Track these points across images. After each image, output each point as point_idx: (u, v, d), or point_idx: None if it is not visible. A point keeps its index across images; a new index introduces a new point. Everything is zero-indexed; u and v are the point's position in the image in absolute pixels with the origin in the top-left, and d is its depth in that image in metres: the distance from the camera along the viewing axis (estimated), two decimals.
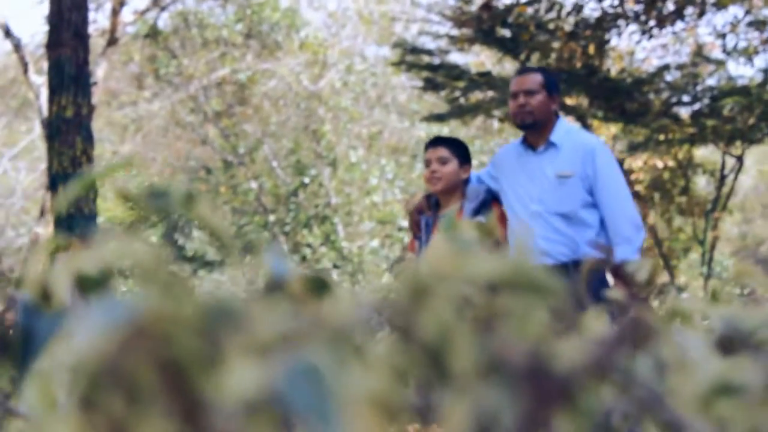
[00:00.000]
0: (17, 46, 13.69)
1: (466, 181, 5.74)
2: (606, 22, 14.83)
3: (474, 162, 6.62)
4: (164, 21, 24.30)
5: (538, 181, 5.53)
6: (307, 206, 24.83)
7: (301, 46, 25.35)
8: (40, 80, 13.18)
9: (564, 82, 14.85)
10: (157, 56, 24.32)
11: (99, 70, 13.97)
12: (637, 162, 18.90)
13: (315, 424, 0.67)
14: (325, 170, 24.38)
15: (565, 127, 5.62)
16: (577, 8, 14.75)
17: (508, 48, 15.16)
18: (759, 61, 35.69)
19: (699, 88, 15.52)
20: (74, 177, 8.55)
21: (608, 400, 0.78)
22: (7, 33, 13.67)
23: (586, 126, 16.52)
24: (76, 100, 8.56)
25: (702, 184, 20.91)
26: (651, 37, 15.13)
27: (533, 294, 0.81)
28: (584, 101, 15.76)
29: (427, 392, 0.74)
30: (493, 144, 22.36)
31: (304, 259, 24.26)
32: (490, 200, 5.66)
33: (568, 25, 14.86)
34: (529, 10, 14.76)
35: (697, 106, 15.53)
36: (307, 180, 24.86)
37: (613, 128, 17.76)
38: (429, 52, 16.30)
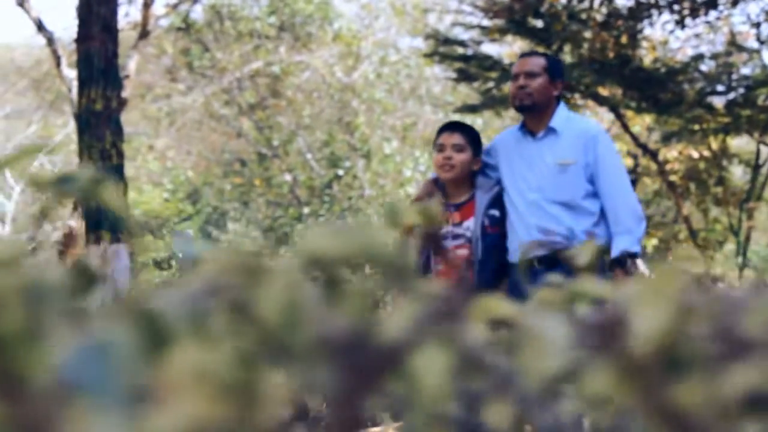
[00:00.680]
0: (50, 40, 13.75)
1: (474, 172, 5.59)
2: (639, 11, 14.75)
3: None
4: (198, 14, 24.38)
5: (537, 168, 5.39)
6: (341, 198, 24.84)
7: (334, 38, 25.35)
8: (72, 74, 13.23)
9: (596, 73, 14.80)
10: (190, 49, 24.38)
11: (131, 63, 14.00)
12: (672, 152, 18.81)
13: (97, 401, 0.66)
14: (359, 162, 24.39)
15: (566, 113, 5.48)
16: None
17: (541, 38, 15.10)
18: None
19: (733, 77, 15.42)
20: (104, 170, 8.59)
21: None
22: (40, 27, 13.73)
23: (619, 116, 16.46)
24: (106, 93, 8.58)
25: (738, 174, 20.78)
26: (684, 26, 15.03)
27: (380, 269, 0.80)
28: (617, 92, 15.68)
29: (265, 369, 0.73)
30: None
31: None
32: (503, 192, 5.50)
33: (600, 15, 14.78)
34: (562, 0, 14.70)
35: (731, 95, 15.43)
36: (341, 172, 24.88)
37: (648, 118, 17.68)
38: (462, 43, 16.27)
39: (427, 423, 0.76)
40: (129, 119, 25.39)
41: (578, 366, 0.76)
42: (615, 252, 5.22)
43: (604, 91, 15.78)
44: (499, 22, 15.41)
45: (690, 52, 16.53)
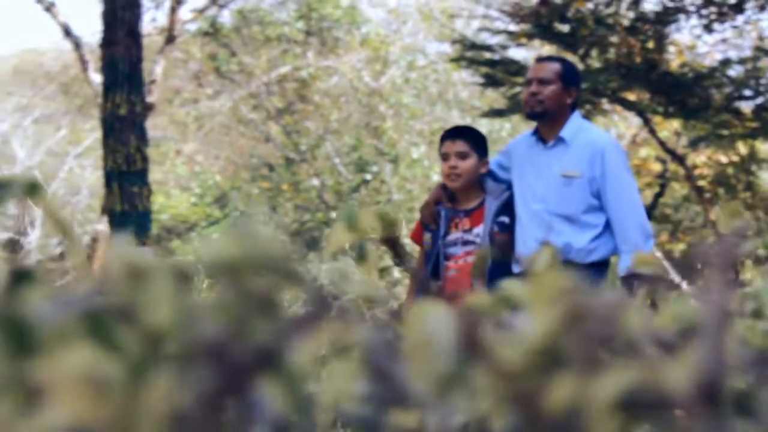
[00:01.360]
0: (77, 45, 13.82)
1: (485, 175, 5.49)
2: (666, 16, 14.70)
3: None
4: (226, 18, 24.45)
5: (544, 178, 5.26)
6: (369, 203, 24.85)
7: (362, 42, 25.37)
8: (99, 78, 13.30)
9: (623, 77, 14.76)
10: (217, 54, 24.45)
11: (157, 68, 14.06)
12: (700, 157, 18.73)
13: None
14: (387, 167, 24.39)
15: (578, 122, 5.34)
16: (636, 2, 14.62)
17: (567, 43, 15.07)
18: None
19: (761, 82, 15.34)
20: (129, 174, 8.63)
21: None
22: (67, 32, 13.81)
23: (647, 121, 16.41)
24: (130, 98, 8.62)
25: (767, 179, 20.68)
26: (712, 31, 14.98)
27: (273, 276, 0.80)
28: (644, 96, 15.62)
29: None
30: None
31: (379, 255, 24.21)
32: (513, 198, 5.42)
33: (627, 20, 14.74)
34: (588, 5, 14.67)
35: (759, 100, 15.34)
36: (368, 177, 24.90)
37: (676, 123, 17.62)
38: (488, 48, 16.24)
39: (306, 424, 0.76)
40: (157, 124, 25.51)
41: (460, 370, 0.76)
42: (622, 270, 5.09)
43: (631, 96, 15.73)
44: (526, 26, 15.37)
45: (718, 56, 16.46)
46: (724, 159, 18.44)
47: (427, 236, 5.51)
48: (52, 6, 13.76)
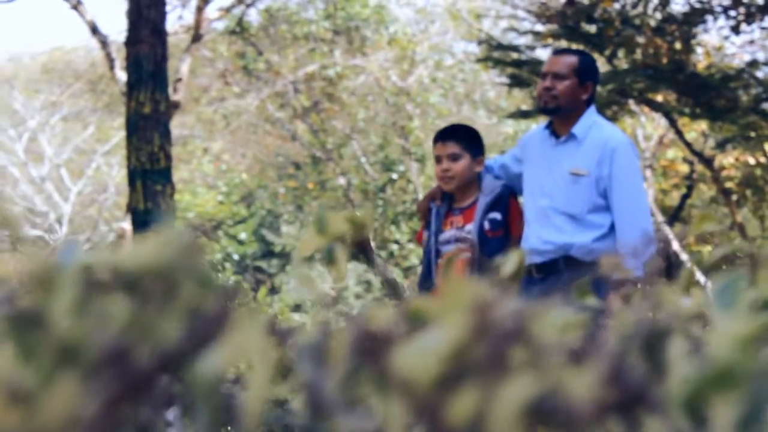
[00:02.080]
0: (104, 43, 13.87)
1: (481, 173, 5.40)
2: (693, 17, 14.64)
3: None
4: (253, 17, 24.49)
5: (553, 174, 5.13)
6: (395, 202, 24.88)
7: (389, 41, 25.38)
8: (125, 77, 13.35)
9: (650, 78, 14.70)
10: (245, 52, 24.49)
11: (184, 67, 14.09)
12: (728, 158, 18.66)
13: None
14: (413, 166, 24.39)
15: (592, 119, 5.17)
16: (664, 3, 14.57)
17: (594, 43, 15.02)
18: None
19: None
20: (152, 173, 8.65)
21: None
22: (94, 30, 13.86)
23: (673, 123, 16.34)
24: (154, 97, 8.63)
25: None
26: (740, 32, 14.90)
27: (186, 284, 0.79)
28: (671, 97, 15.56)
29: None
30: None
31: (391, 255, 24.31)
32: (507, 195, 5.33)
33: (654, 21, 14.68)
34: (615, 5, 14.62)
35: None
36: (395, 176, 24.92)
37: (703, 124, 17.56)
38: (515, 49, 16.21)
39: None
40: (184, 122, 25.60)
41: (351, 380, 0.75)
42: None
43: (657, 97, 15.67)
44: (552, 27, 15.33)
45: (746, 58, 16.39)
46: (751, 160, 18.36)
47: (425, 235, 5.46)
48: (79, 4, 13.81)
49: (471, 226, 5.29)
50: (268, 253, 26.23)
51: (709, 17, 14.74)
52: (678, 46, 14.85)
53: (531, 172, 5.26)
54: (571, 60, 5.19)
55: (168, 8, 10.38)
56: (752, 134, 16.03)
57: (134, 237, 8.64)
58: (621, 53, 15.08)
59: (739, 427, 0.73)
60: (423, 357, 0.73)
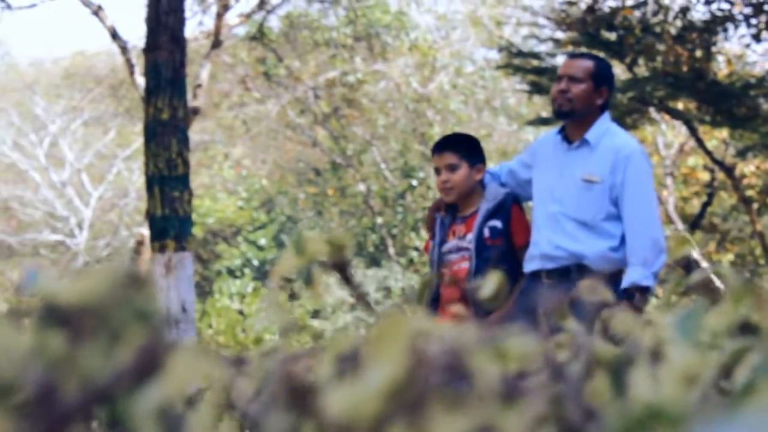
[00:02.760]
0: (124, 49, 13.90)
1: (482, 180, 5.36)
2: (714, 25, 14.59)
3: None
4: (274, 23, 24.53)
5: (564, 180, 5.07)
6: (415, 209, 24.86)
7: (410, 48, 25.38)
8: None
9: (670, 86, 14.66)
10: (266, 58, 24.53)
11: (203, 73, 14.11)
12: (749, 167, 18.60)
13: None
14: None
15: (606, 125, 5.11)
16: (685, 11, 14.53)
17: (614, 51, 14.98)
18: None
19: None
20: (170, 179, 8.66)
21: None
22: (114, 35, 13.89)
23: (694, 131, 16.29)
24: (172, 103, 8.64)
25: None
26: (761, 40, 14.85)
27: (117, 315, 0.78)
28: (692, 105, 15.52)
29: None
30: None
31: (411, 262, 24.30)
32: (510, 203, 5.27)
33: (675, 28, 14.64)
34: (636, 13, 14.58)
35: None
36: (414, 182, 24.91)
37: (725, 132, 17.51)
38: (535, 56, 16.19)
39: None
40: (205, 128, 25.65)
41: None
42: (625, 283, 4.91)
43: (678, 105, 15.63)
44: (573, 34, 15.31)
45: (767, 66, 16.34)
46: None
47: (431, 244, 5.44)
48: (100, 10, 13.84)
49: (471, 235, 5.25)
50: None
51: (730, 25, 14.69)
52: (699, 54, 14.80)
53: (541, 176, 5.20)
54: (588, 64, 5.13)
55: (188, 14, 10.40)
56: None
57: (151, 244, 8.66)
58: (641, 61, 15.04)
59: None
60: (358, 399, 0.72)
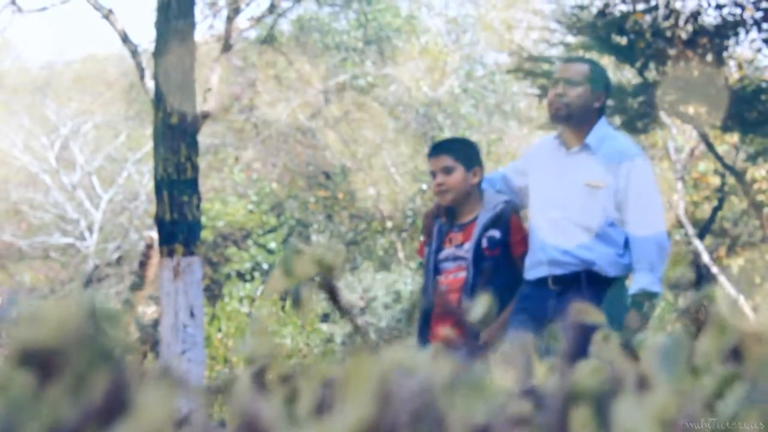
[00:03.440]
0: (134, 52, 13.90)
1: (481, 183, 5.31)
2: (725, 29, 14.56)
3: None
4: (285, 27, 24.54)
5: (565, 185, 5.04)
6: (425, 213, 24.83)
7: (421, 52, 25.37)
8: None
9: (681, 91, 14.63)
10: (276, 62, 24.54)
11: (213, 77, 14.11)
12: (760, 171, 18.57)
13: None
14: None
15: (605, 130, 5.08)
16: (695, 15, 14.50)
17: (625, 55, 14.97)
18: None
19: None
20: (179, 183, 8.65)
21: None
22: (125, 39, 13.90)
23: (704, 136, 16.26)
24: (181, 108, 8.64)
25: None
26: None
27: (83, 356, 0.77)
28: (702, 110, 15.49)
29: None
30: None
31: (420, 266, 24.25)
32: (509, 213, 5.22)
33: (685, 33, 14.61)
34: (646, 18, 14.56)
35: None
36: (424, 186, 24.87)
37: (735, 137, 17.47)
38: (546, 60, 16.18)
39: None
40: (215, 131, 25.66)
41: None
42: (634, 289, 4.89)
43: (689, 110, 15.60)
44: (583, 38, 15.30)
45: None
46: None
47: (426, 251, 5.38)
48: (111, 14, 13.85)
49: (469, 244, 5.20)
50: None
51: (741, 30, 14.66)
52: (709, 58, 14.77)
53: (540, 182, 5.17)
54: (583, 68, 5.11)
55: (198, 18, 10.39)
56: None
57: (160, 248, 8.65)
58: (652, 65, 15.02)
59: None
60: None
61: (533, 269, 5.08)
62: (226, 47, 14.58)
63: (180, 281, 8.41)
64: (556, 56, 16.19)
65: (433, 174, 5.29)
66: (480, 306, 1.07)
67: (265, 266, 25.59)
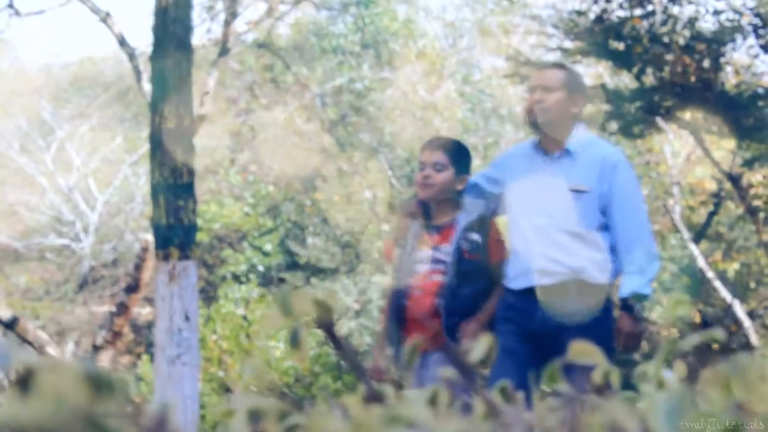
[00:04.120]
0: (131, 56, 13.91)
1: (462, 192, 5.24)
2: (722, 35, 14.57)
3: None
4: (283, 30, 24.54)
5: (548, 192, 4.99)
6: None
7: (418, 56, 25.37)
8: None
9: (678, 96, 14.64)
10: (273, 65, 24.54)
11: (210, 80, 14.11)
12: (756, 176, 18.56)
13: None
14: None
15: (584, 135, 5.07)
16: (693, 21, 14.50)
17: (622, 60, 14.97)
18: None
19: None
20: (175, 188, 8.64)
21: None
22: (122, 43, 13.90)
23: (700, 140, 16.26)
24: (178, 112, 8.62)
25: None
26: None
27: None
28: (699, 115, 15.49)
29: None
30: None
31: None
32: (489, 218, 5.18)
33: (683, 38, 14.61)
34: (644, 23, 14.56)
35: None
36: None
37: (732, 142, 17.47)
38: (543, 65, 16.17)
39: None
40: (212, 133, 25.64)
41: None
42: (624, 292, 4.87)
43: (685, 115, 15.61)
44: (581, 44, 15.30)
45: None
46: None
47: (397, 252, 5.31)
48: (108, 17, 13.85)
49: (448, 247, 5.13)
50: (293, 264, 26.19)
51: (738, 36, 14.66)
52: (707, 64, 14.78)
53: (521, 190, 5.10)
54: (560, 74, 5.09)
55: (196, 22, 10.38)
56: None
57: (156, 252, 8.64)
58: (649, 70, 15.01)
59: None
60: None
61: (519, 278, 5.03)
62: (224, 51, 14.58)
63: (175, 285, 8.39)
64: (554, 61, 16.19)
65: (423, 166, 5.20)
66: (481, 347, 1.06)
67: (260, 269, 25.58)
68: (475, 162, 24.23)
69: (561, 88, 5.02)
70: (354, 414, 0.76)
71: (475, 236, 5.14)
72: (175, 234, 8.47)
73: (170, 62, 8.66)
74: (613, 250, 4.97)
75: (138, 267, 13.87)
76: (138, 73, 13.86)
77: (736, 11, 14.38)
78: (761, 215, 17.88)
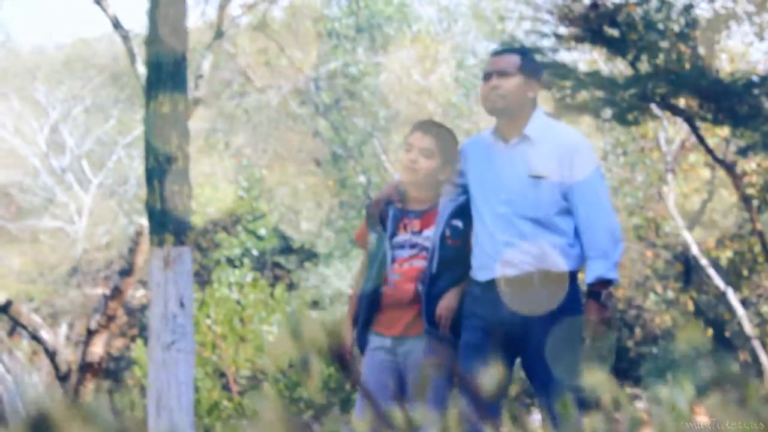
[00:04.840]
0: (125, 38, 13.84)
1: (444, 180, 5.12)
2: (717, 23, 14.55)
3: None
4: (278, 13, 24.50)
5: (508, 179, 4.90)
6: None
7: (412, 40, 25.35)
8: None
9: (672, 84, 14.62)
10: (268, 48, 24.51)
11: (205, 64, 14.06)
12: (750, 164, 18.56)
13: None
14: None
15: (543, 119, 4.99)
16: (688, 8, 14.49)
17: (616, 47, 14.95)
18: None
19: None
20: (169, 173, 8.63)
21: None
22: (116, 25, 13.83)
23: (695, 128, 16.25)
24: (173, 97, 8.60)
25: None
26: (763, 39, 14.82)
27: None
28: (693, 103, 15.48)
29: None
30: (603, 143, 22.08)
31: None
32: (469, 205, 5.06)
33: (677, 26, 14.59)
34: (639, 10, 14.54)
35: None
36: None
37: (726, 130, 17.47)
38: (537, 51, 16.14)
39: None
40: (206, 116, 25.62)
41: None
42: (590, 278, 4.84)
43: (680, 102, 15.59)
44: (575, 30, 15.26)
45: None
46: None
47: (372, 237, 5.18)
48: None
49: (429, 232, 5.05)
50: (287, 249, 26.23)
51: (733, 23, 14.66)
52: (701, 51, 14.76)
53: (480, 180, 5.02)
54: (515, 58, 5.02)
55: (191, 4, 10.35)
56: None
57: (150, 237, 8.63)
58: (644, 57, 14.99)
59: None
60: None
61: (483, 270, 4.95)
62: (219, 34, 14.53)
63: (170, 271, 8.38)
64: (548, 47, 16.16)
65: (410, 147, 5.10)
66: (493, 377, 1.07)
67: (254, 252, 25.59)
68: None
69: (516, 73, 4.95)
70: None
71: (458, 222, 5.06)
72: (170, 220, 8.46)
73: (165, 47, 8.65)
74: (577, 234, 4.91)
75: (132, 251, 13.84)
76: (132, 56, 13.79)
77: None
78: (755, 203, 17.89)
